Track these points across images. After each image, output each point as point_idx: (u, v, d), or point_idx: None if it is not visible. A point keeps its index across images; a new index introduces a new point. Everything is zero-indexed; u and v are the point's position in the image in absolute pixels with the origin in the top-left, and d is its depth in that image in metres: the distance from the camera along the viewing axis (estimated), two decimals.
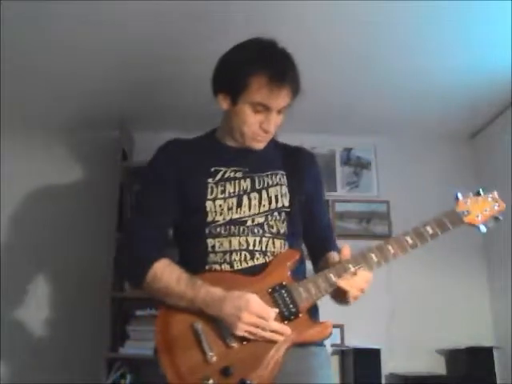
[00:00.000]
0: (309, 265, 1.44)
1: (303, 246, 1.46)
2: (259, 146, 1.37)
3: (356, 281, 1.23)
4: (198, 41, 2.43)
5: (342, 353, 2.94)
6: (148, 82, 2.81)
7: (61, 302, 3.02)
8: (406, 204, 3.26)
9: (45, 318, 2.99)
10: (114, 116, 3.12)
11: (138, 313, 2.78)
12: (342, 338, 2.98)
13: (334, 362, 2.96)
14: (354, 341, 2.91)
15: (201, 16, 2.25)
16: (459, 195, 1.37)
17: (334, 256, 1.32)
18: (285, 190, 1.36)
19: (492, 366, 2.75)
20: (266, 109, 1.29)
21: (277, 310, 1.19)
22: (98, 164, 3.31)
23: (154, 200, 1.34)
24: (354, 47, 2.48)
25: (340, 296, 1.26)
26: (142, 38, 2.42)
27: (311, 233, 1.45)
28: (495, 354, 2.78)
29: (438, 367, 2.99)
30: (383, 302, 3.03)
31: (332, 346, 2.96)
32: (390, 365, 2.89)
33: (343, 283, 1.22)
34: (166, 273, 1.24)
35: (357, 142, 3.41)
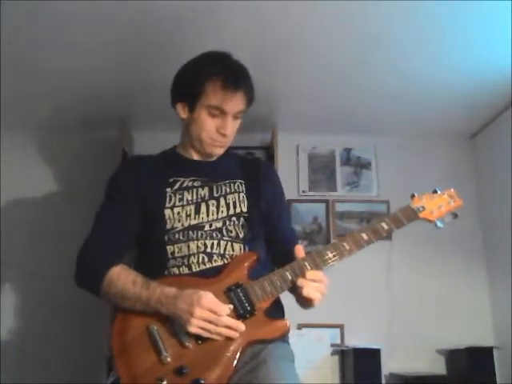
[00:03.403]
0: None
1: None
2: (218, 151, 1.43)
3: (317, 286, 1.23)
4: (198, 41, 2.43)
5: (342, 353, 2.94)
6: (148, 82, 2.81)
7: (61, 301, 3.02)
8: (406, 204, 3.26)
9: (45, 318, 2.99)
10: (113, 116, 3.12)
11: None
12: (342, 338, 2.98)
13: (334, 362, 2.96)
14: (354, 341, 2.91)
15: (201, 15, 2.25)
16: (415, 193, 1.42)
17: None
18: (243, 196, 1.41)
19: (492, 366, 2.75)
20: (221, 112, 1.35)
21: (231, 306, 1.20)
22: (98, 164, 3.31)
23: (114, 211, 1.40)
24: (354, 47, 2.48)
25: (303, 302, 1.28)
26: (142, 38, 2.42)
27: (274, 238, 1.48)
28: (495, 354, 2.79)
29: (438, 367, 2.99)
30: (383, 301, 3.03)
31: (332, 345, 2.96)
32: (390, 365, 2.89)
33: (307, 292, 1.22)
34: (122, 277, 1.28)
35: (357, 142, 3.42)
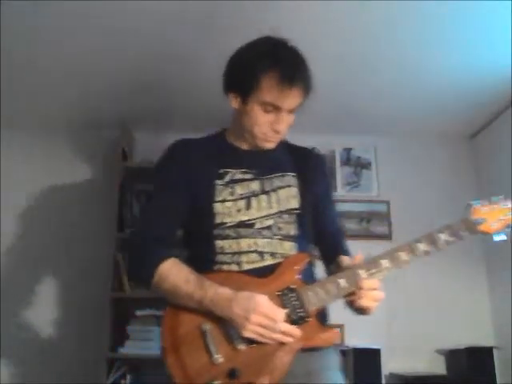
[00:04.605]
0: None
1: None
2: (269, 145, 1.35)
3: (376, 294, 1.22)
4: (198, 41, 2.43)
5: (342, 353, 2.94)
6: (148, 82, 2.81)
7: (61, 302, 3.02)
8: (406, 204, 3.27)
9: (45, 318, 2.99)
10: (114, 116, 3.12)
11: (138, 313, 2.78)
12: (342, 338, 2.98)
13: None
14: (354, 341, 2.91)
15: (201, 15, 2.25)
16: (473, 202, 1.31)
17: (345, 260, 1.29)
18: (295, 191, 1.35)
19: (492, 365, 2.75)
20: (276, 109, 1.27)
21: (286, 311, 1.17)
22: (98, 164, 3.31)
23: (164, 201, 1.33)
24: (353, 48, 2.48)
25: (359, 309, 1.26)
26: (142, 38, 2.42)
27: (323, 235, 1.42)
28: (495, 353, 2.78)
29: (438, 367, 2.99)
30: (383, 302, 3.02)
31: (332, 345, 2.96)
32: (390, 365, 2.89)
33: (364, 301, 1.21)
34: (174, 272, 1.23)
35: (357, 142, 3.42)
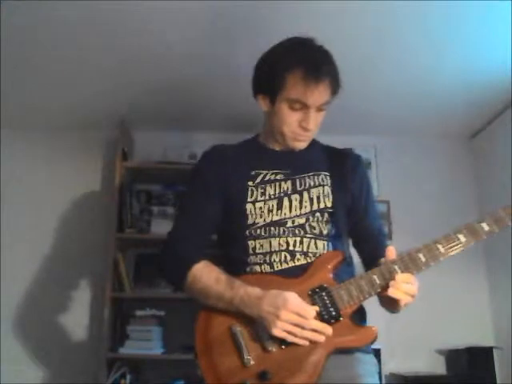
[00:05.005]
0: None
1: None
2: (301, 145, 1.35)
3: (409, 287, 1.17)
4: (199, 41, 2.43)
5: None
6: (148, 82, 2.81)
7: (61, 302, 3.02)
8: (406, 204, 3.27)
9: (45, 318, 2.99)
10: (113, 116, 3.12)
11: (138, 313, 2.78)
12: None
13: None
14: None
15: (202, 16, 2.25)
16: None
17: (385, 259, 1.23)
18: (328, 190, 1.33)
19: (492, 366, 2.75)
20: (303, 106, 1.26)
21: (317, 309, 1.15)
22: (97, 164, 3.31)
23: (199, 204, 1.34)
24: (353, 48, 2.48)
25: (389, 303, 1.23)
26: (142, 38, 2.42)
27: (362, 237, 1.40)
28: (495, 354, 2.78)
29: (438, 367, 2.99)
30: None
31: None
32: (390, 365, 2.89)
33: (393, 292, 1.15)
34: (205, 274, 1.24)
35: (357, 142, 3.41)
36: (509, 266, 2.86)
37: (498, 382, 2.72)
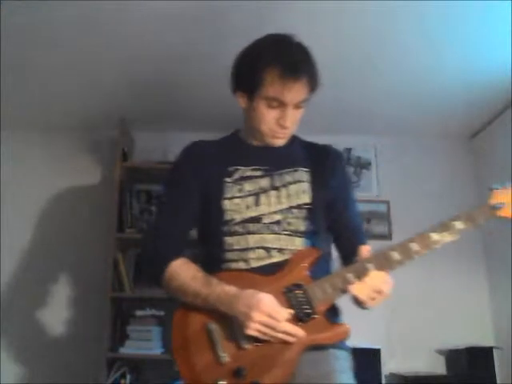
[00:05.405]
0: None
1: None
2: (279, 142, 1.35)
3: (368, 284, 1.18)
4: (199, 41, 2.43)
5: None
6: (148, 82, 2.81)
7: (61, 302, 3.02)
8: (406, 204, 3.27)
9: (45, 318, 2.99)
10: (113, 116, 3.12)
11: (138, 313, 2.78)
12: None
13: None
14: (354, 341, 2.90)
15: (200, 16, 2.25)
16: (495, 186, 1.25)
17: (360, 256, 1.25)
18: (306, 186, 1.33)
19: (492, 366, 2.75)
20: (281, 104, 1.26)
21: (291, 311, 1.16)
22: (97, 164, 3.31)
23: (178, 200, 1.34)
24: (354, 48, 2.48)
25: (356, 301, 1.24)
26: (142, 38, 2.42)
27: (341, 232, 1.40)
28: (495, 354, 2.78)
29: (438, 367, 2.99)
30: (383, 302, 3.02)
31: None
32: (390, 365, 2.89)
33: (352, 289, 1.18)
34: (183, 271, 1.25)
35: (357, 142, 3.41)
36: (509, 266, 2.86)
37: (498, 382, 2.72)
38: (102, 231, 3.05)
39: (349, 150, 3.43)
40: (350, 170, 3.39)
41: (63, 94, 2.93)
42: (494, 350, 2.79)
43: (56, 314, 3.01)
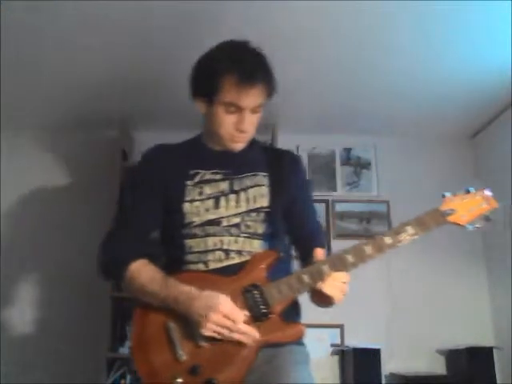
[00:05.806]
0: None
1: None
2: (238, 146, 1.38)
3: (338, 285, 1.22)
4: (199, 41, 2.42)
5: (342, 353, 2.94)
6: (148, 82, 2.81)
7: (61, 301, 3.02)
8: (406, 204, 3.25)
9: (45, 318, 2.99)
10: (113, 116, 3.12)
11: None
12: (342, 338, 2.98)
13: (334, 362, 2.96)
14: (354, 341, 2.91)
15: (198, 16, 2.25)
16: (446, 194, 1.32)
17: (316, 256, 1.29)
18: (265, 190, 1.37)
19: (492, 366, 2.75)
20: (238, 109, 1.30)
21: (247, 313, 1.19)
22: (97, 164, 3.31)
23: (137, 203, 1.37)
24: (354, 48, 2.48)
25: (322, 300, 1.26)
26: (141, 38, 2.42)
27: (299, 234, 1.45)
28: (495, 354, 2.78)
29: (438, 367, 2.99)
30: (383, 302, 3.03)
31: (332, 345, 2.96)
32: (390, 365, 2.89)
33: (326, 288, 1.21)
34: (142, 272, 1.28)
35: (357, 141, 3.42)
36: (509, 266, 2.87)
37: (498, 382, 2.72)
38: (101, 231, 3.04)
39: (349, 149, 3.43)
40: (350, 169, 3.40)
41: (63, 94, 2.93)
42: (493, 350, 2.79)
43: (56, 313, 3.01)
